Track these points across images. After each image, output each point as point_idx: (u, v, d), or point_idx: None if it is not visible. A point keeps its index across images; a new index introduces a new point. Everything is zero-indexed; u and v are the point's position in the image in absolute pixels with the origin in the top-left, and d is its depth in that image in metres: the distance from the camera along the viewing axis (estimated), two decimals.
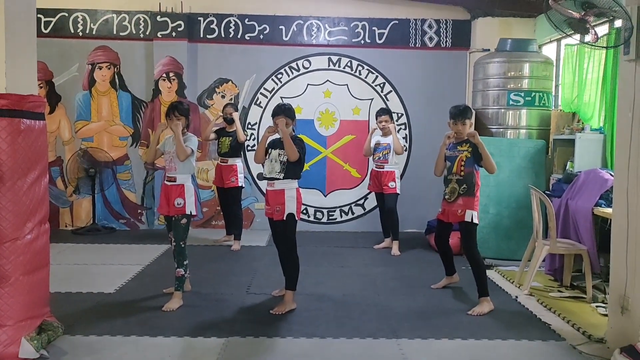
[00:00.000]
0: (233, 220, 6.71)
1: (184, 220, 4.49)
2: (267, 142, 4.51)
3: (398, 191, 6.54)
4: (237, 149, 6.57)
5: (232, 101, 7.79)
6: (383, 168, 6.56)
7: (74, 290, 4.84)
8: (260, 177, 7.86)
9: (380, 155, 6.57)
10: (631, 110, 3.54)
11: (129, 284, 5.09)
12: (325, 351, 3.67)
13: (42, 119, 3.45)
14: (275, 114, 4.47)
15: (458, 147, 4.63)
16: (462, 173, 4.56)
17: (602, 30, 5.68)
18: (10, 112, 3.17)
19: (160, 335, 3.84)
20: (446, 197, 4.66)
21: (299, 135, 4.59)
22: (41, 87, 7.61)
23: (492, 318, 4.34)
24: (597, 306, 4.59)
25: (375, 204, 7.31)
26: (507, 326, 4.16)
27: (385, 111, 6.73)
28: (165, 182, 4.58)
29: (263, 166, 4.57)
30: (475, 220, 4.54)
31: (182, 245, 4.49)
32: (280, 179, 4.39)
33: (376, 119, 6.68)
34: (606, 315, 4.07)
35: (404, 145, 6.74)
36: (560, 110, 6.68)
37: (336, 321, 4.21)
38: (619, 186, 3.70)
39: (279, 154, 4.41)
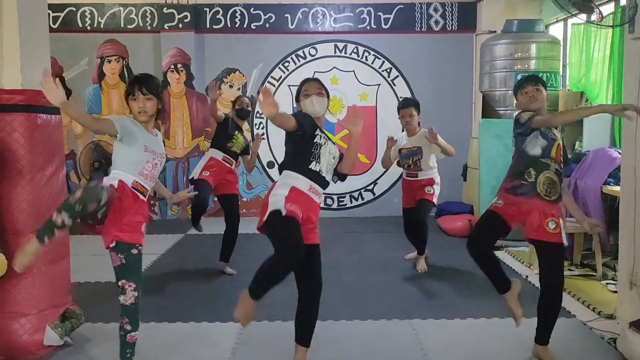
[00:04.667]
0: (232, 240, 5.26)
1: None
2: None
3: (435, 200, 5.17)
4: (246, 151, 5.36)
5: (240, 90, 7.85)
6: (417, 177, 5.13)
7: (93, 280, 4.96)
8: (271, 165, 7.94)
9: (410, 162, 5.11)
10: (637, 88, 3.57)
11: (146, 273, 5.15)
12: (340, 332, 3.76)
13: (57, 114, 3.53)
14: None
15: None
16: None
17: (608, 8, 5.67)
18: (27, 107, 3.25)
19: (179, 321, 3.95)
20: (542, 191, 3.11)
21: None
22: None
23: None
24: (607, 283, 4.64)
25: (386, 188, 7.35)
26: None
27: (408, 102, 5.16)
28: (142, 198, 3.01)
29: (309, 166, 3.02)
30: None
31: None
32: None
33: (398, 113, 5.18)
34: (616, 292, 4.12)
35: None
36: (568, 90, 6.68)
37: (349, 304, 4.29)
38: (627, 164, 3.73)
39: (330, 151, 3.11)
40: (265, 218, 2.93)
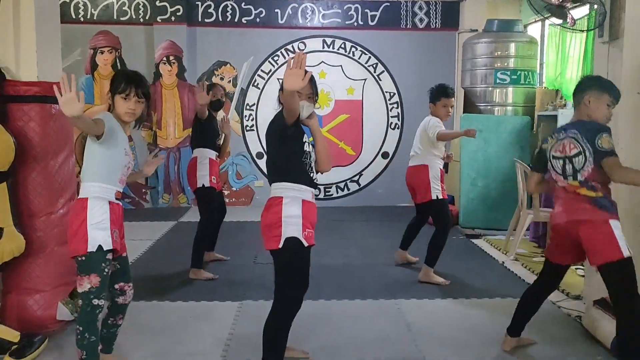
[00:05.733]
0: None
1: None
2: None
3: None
4: None
5: (231, 83, 8.09)
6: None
7: None
8: (260, 155, 8.19)
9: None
10: None
11: (143, 257, 5.44)
12: (331, 311, 4.06)
13: None
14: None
15: None
16: None
17: (583, 11, 6.01)
18: (43, 98, 3.46)
19: (180, 300, 4.21)
20: None
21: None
22: None
23: (481, 281, 4.75)
24: (576, 268, 4.99)
25: (371, 179, 7.59)
26: (494, 287, 4.56)
27: (452, 92, 4.87)
28: (115, 201, 2.85)
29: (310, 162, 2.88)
30: None
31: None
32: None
33: (438, 100, 4.77)
34: (584, 276, 4.48)
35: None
36: (545, 87, 7.03)
37: (339, 286, 4.60)
38: None
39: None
40: (281, 245, 2.71)
